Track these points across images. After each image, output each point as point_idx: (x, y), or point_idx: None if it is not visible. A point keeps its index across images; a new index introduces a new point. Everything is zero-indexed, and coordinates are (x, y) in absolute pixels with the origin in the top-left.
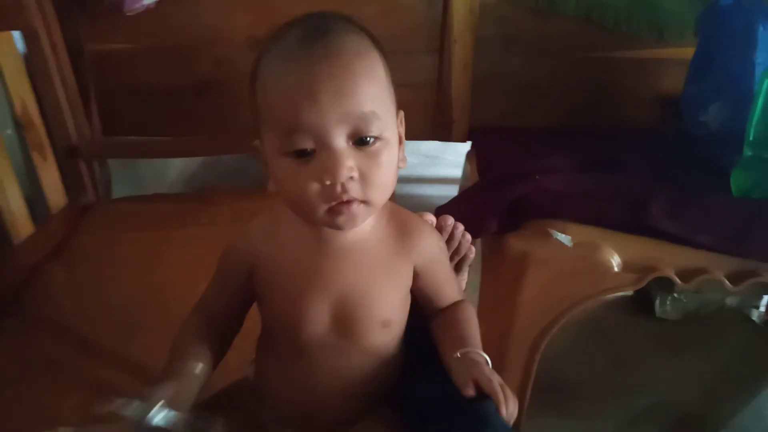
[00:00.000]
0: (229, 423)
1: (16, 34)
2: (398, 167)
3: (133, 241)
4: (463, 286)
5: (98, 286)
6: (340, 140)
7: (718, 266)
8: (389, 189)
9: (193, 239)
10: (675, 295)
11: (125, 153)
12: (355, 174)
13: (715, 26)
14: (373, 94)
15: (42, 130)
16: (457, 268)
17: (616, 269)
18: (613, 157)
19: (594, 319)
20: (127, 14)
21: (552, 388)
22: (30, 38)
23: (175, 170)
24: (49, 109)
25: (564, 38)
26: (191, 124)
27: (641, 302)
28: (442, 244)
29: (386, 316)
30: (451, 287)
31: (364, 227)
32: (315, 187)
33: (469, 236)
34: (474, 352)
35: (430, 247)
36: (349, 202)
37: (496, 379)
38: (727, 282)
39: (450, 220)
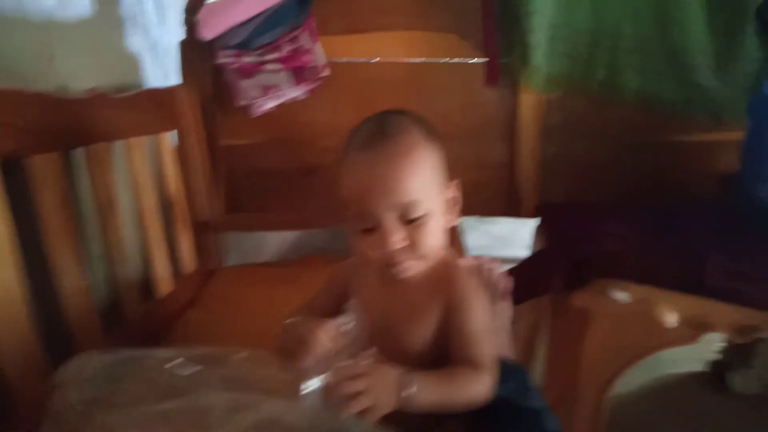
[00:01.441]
0: None
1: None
2: (448, 226)
3: (248, 295)
4: (510, 313)
5: (223, 327)
6: (392, 221)
7: None
8: (436, 247)
9: (295, 295)
10: (752, 368)
11: (245, 227)
12: (405, 243)
13: (764, 109)
14: (416, 185)
15: (186, 207)
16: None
17: (673, 325)
18: (671, 225)
19: (670, 394)
20: (253, 116)
21: None
22: (182, 135)
23: (272, 245)
24: (190, 190)
25: (624, 124)
26: (298, 202)
27: (717, 377)
28: (478, 301)
29: (416, 345)
30: (475, 346)
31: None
32: (377, 252)
33: (497, 271)
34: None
35: (460, 289)
36: (401, 261)
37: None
38: None
39: (481, 260)
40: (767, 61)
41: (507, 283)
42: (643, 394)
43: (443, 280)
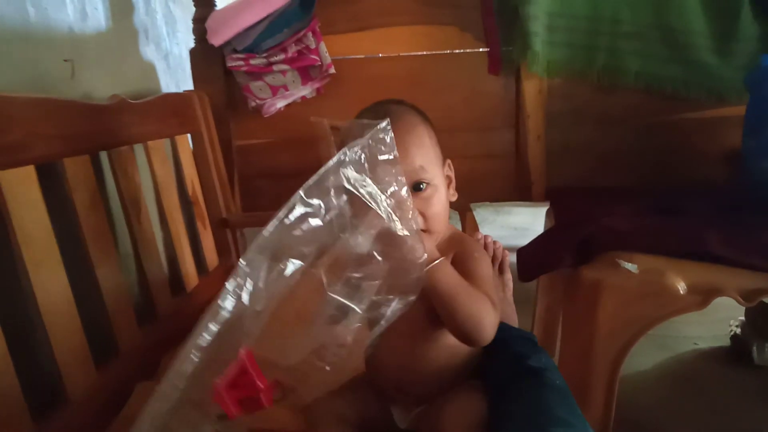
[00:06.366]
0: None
1: (188, 136)
2: (449, 201)
3: None
4: (510, 285)
5: None
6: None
7: None
8: (442, 219)
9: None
10: None
11: (261, 224)
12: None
13: (763, 84)
14: (420, 154)
15: (204, 206)
16: (501, 270)
17: (681, 292)
18: (676, 205)
19: (691, 369)
20: (265, 116)
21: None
22: (196, 138)
23: None
24: (207, 190)
25: (627, 108)
26: None
27: (738, 352)
28: (483, 256)
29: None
30: (485, 286)
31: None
32: None
33: (500, 243)
34: None
35: (470, 246)
36: None
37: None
38: None
39: (480, 235)
40: (764, 40)
41: (507, 255)
42: (663, 372)
43: (454, 243)
